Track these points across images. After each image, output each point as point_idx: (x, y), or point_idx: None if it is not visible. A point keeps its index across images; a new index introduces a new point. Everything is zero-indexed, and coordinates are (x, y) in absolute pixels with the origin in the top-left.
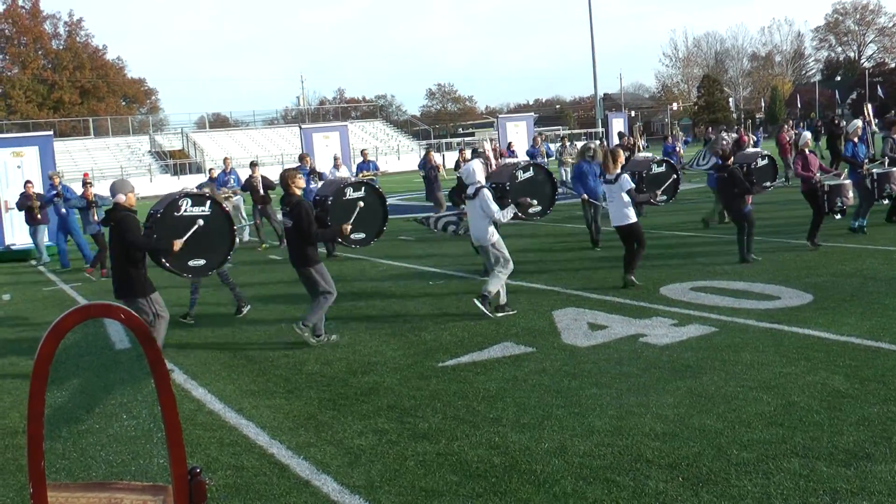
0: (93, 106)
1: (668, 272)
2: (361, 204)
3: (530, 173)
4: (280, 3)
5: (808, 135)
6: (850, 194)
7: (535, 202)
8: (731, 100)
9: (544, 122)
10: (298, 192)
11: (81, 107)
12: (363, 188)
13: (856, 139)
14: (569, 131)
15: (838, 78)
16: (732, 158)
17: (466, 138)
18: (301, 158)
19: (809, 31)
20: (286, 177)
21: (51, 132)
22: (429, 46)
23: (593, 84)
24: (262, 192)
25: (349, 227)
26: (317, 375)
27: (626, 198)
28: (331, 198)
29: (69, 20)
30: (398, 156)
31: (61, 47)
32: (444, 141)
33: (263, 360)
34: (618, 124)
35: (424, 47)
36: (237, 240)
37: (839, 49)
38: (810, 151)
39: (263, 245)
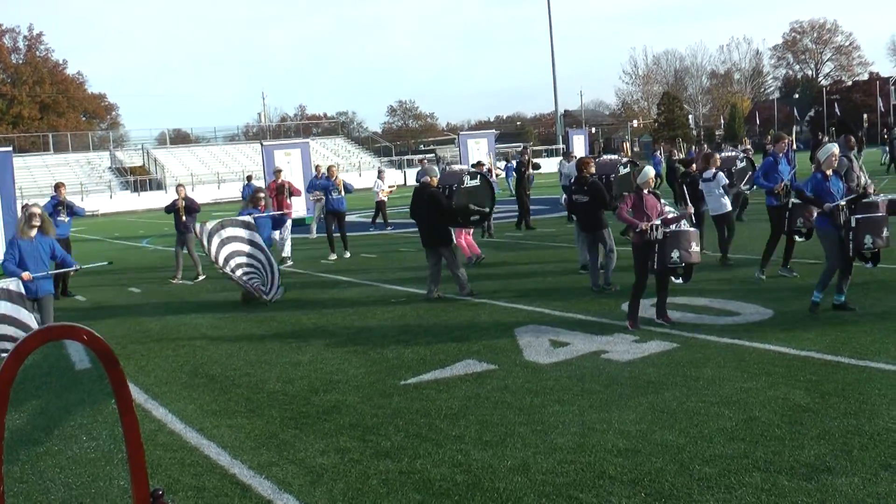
0: (52, 121)
1: (630, 288)
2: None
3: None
4: (241, 19)
5: (651, 171)
6: (694, 247)
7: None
8: (690, 117)
9: (505, 139)
10: (589, 175)
11: (41, 122)
12: (629, 166)
13: (829, 171)
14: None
15: (796, 95)
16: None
17: (428, 154)
18: (56, 188)
19: (768, 49)
20: (581, 163)
21: (9, 148)
22: (390, 63)
23: (554, 101)
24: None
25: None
26: (278, 394)
27: (722, 191)
28: (612, 175)
29: (29, 34)
30: (359, 172)
31: (20, 62)
32: (405, 158)
33: (224, 378)
34: (578, 140)
35: (386, 64)
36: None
37: (797, 67)
38: (650, 191)
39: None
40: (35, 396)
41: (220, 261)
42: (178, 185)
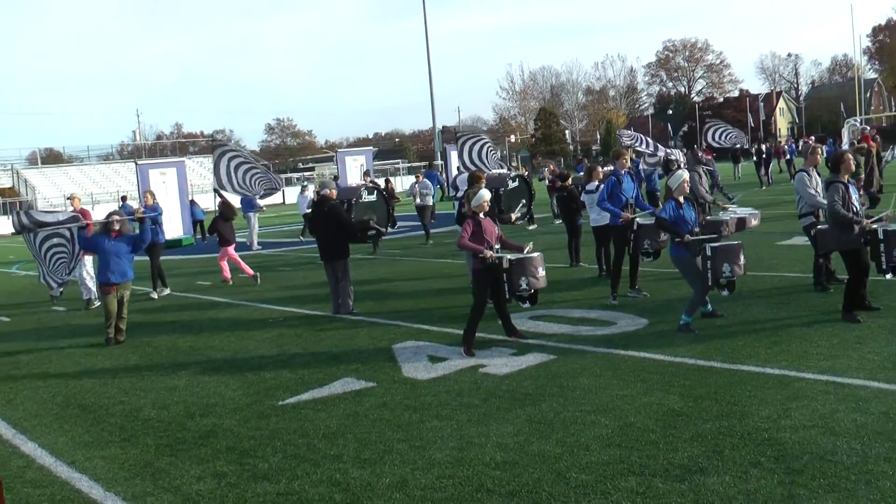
0: None
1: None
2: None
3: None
4: (113, 35)
5: (486, 195)
6: (540, 273)
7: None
8: (567, 132)
9: (384, 156)
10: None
11: None
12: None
13: (681, 198)
14: (408, 164)
15: (670, 111)
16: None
17: (306, 173)
18: None
19: (641, 66)
20: (473, 177)
21: None
22: (267, 80)
23: (432, 117)
24: None
25: (514, 216)
26: (153, 421)
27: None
28: (500, 189)
29: None
30: None
31: None
32: (283, 176)
33: (98, 408)
34: (456, 157)
35: (263, 81)
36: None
37: (670, 84)
38: (486, 215)
39: None
40: None
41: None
42: None
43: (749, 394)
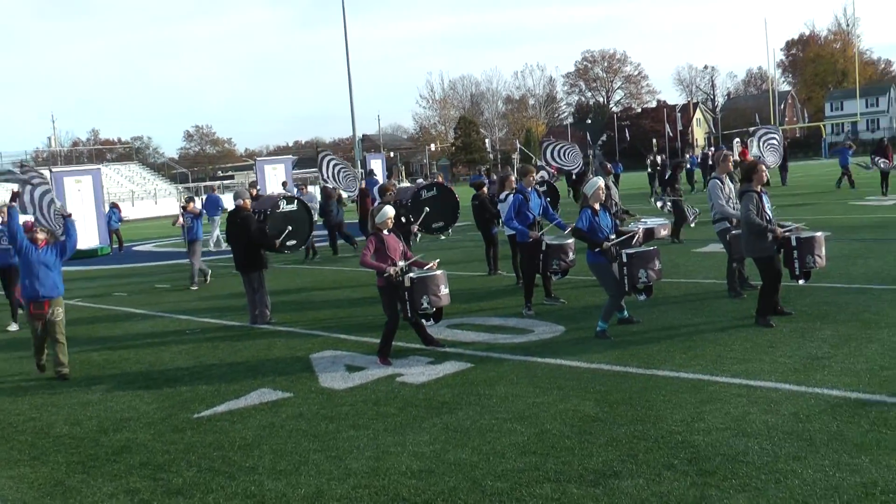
0: None
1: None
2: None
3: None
4: (27, 37)
5: (390, 212)
6: (443, 290)
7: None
8: (487, 141)
9: (305, 164)
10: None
11: None
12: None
13: (597, 205)
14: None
15: (589, 121)
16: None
17: (226, 181)
18: None
19: (561, 76)
20: (381, 189)
21: None
22: (186, 87)
23: (352, 125)
24: None
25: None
26: (65, 437)
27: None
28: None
29: None
30: (155, 200)
31: None
32: (202, 184)
33: (7, 425)
34: (376, 164)
35: (181, 88)
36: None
37: (589, 94)
38: (390, 231)
39: None
40: None
41: None
42: None
43: (664, 398)
